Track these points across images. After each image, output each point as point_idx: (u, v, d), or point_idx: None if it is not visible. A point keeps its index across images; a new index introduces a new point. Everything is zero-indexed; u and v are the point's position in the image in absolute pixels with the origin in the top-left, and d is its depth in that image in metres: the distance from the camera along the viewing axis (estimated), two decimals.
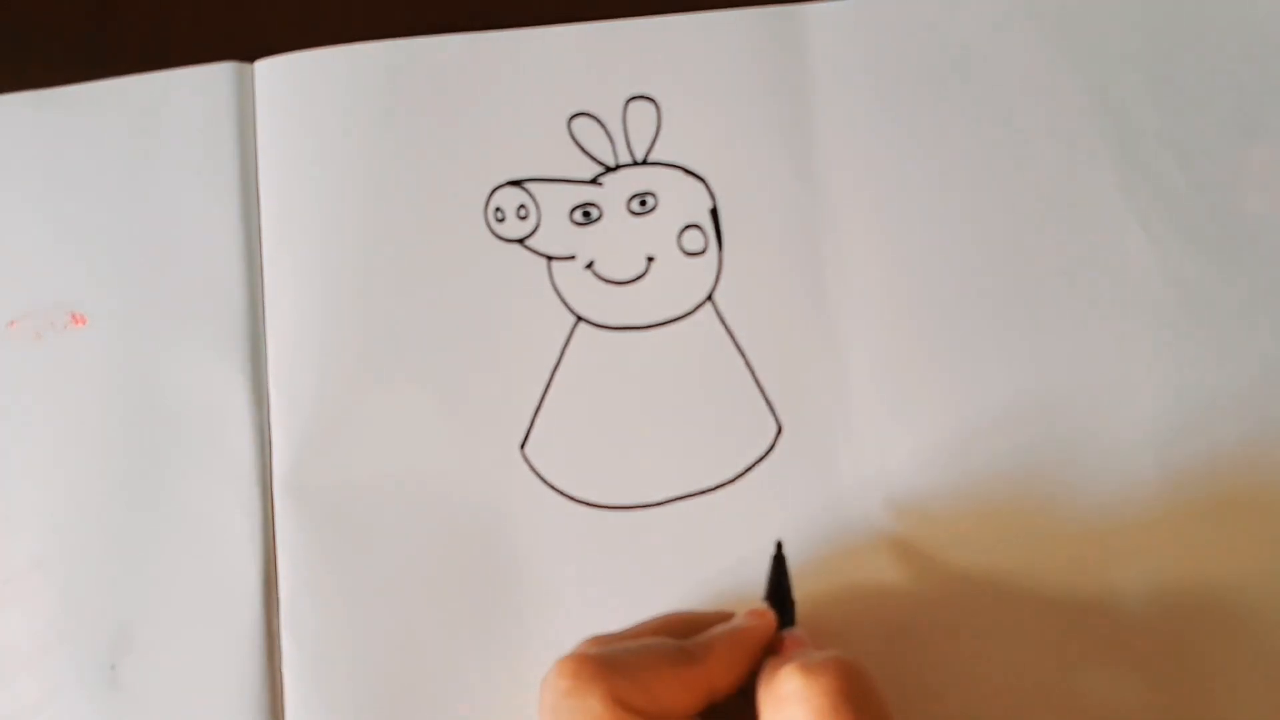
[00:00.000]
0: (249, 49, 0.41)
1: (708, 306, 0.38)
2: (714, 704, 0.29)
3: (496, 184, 0.39)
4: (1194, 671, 0.35)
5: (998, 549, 0.36)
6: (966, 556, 0.36)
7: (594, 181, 0.39)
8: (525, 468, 0.37)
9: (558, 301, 0.38)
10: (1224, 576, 0.35)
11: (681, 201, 0.39)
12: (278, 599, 0.37)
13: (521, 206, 0.39)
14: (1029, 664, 0.35)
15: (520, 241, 0.39)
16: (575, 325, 0.38)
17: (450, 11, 0.41)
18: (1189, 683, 0.35)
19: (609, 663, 0.28)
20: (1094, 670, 0.35)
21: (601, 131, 0.39)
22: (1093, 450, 0.36)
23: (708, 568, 0.36)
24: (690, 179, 0.39)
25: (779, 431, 0.37)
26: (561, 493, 0.37)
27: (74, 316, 0.39)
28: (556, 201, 0.39)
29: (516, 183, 0.39)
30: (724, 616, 0.32)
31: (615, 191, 0.39)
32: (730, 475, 0.37)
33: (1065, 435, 0.37)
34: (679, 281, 0.38)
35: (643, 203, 0.39)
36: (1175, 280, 0.37)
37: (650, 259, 0.39)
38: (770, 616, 0.31)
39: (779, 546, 0.33)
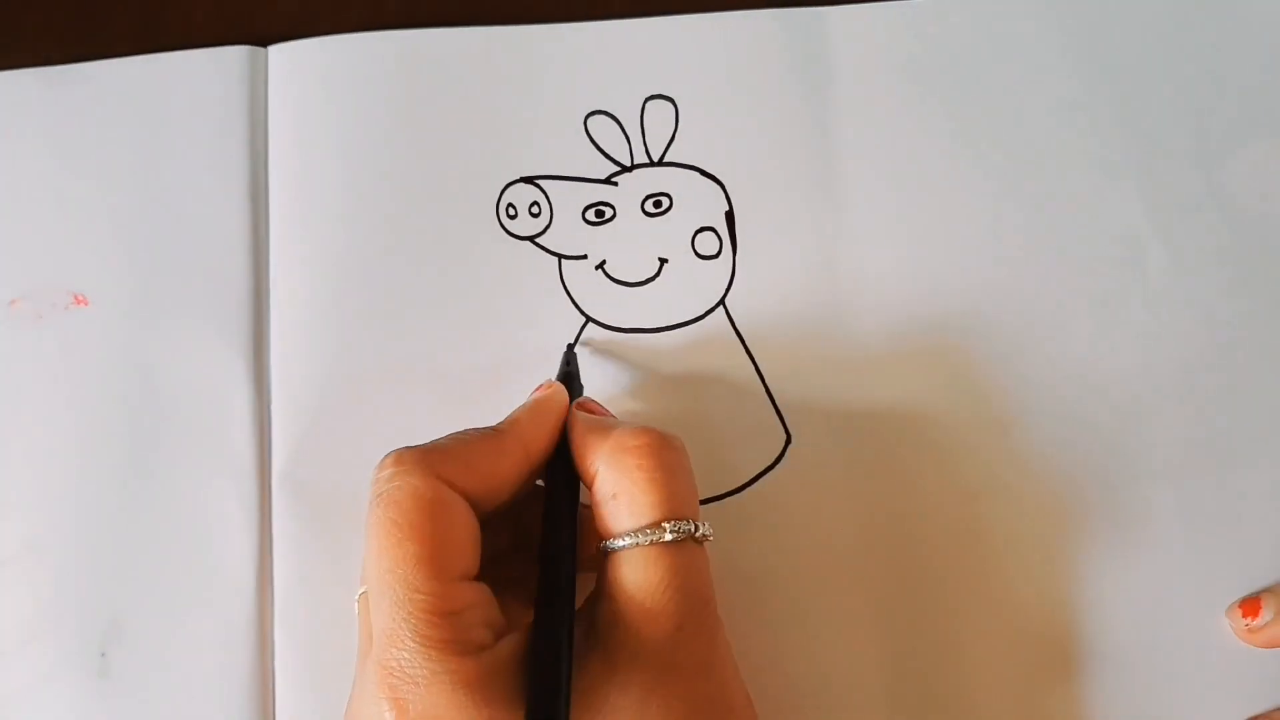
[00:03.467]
0: (264, 33, 0.40)
1: (719, 311, 0.38)
2: (533, 475, 0.31)
3: (509, 180, 0.39)
4: None
5: (1009, 562, 0.35)
6: (978, 571, 0.35)
7: (608, 181, 0.39)
8: None
9: (567, 301, 0.38)
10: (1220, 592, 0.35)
11: (696, 204, 0.38)
12: (271, 592, 0.36)
13: (534, 203, 0.38)
14: (1023, 663, 0.35)
15: (531, 239, 0.38)
16: (584, 325, 0.38)
17: (469, 4, 0.40)
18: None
19: (426, 447, 0.29)
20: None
21: (618, 130, 0.39)
22: (1108, 467, 0.36)
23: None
24: (706, 181, 0.38)
25: (788, 442, 0.36)
26: None
27: (76, 297, 0.38)
28: (569, 200, 0.38)
29: (530, 179, 0.39)
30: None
31: (629, 191, 0.38)
32: (736, 484, 0.36)
33: (1080, 450, 0.36)
34: (691, 285, 0.38)
35: (657, 204, 0.38)
36: (1193, 300, 0.37)
37: (663, 261, 0.38)
38: (559, 387, 0.33)
39: (570, 347, 0.36)
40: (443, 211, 0.38)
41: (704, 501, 0.36)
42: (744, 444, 0.36)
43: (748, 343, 0.37)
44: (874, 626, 0.35)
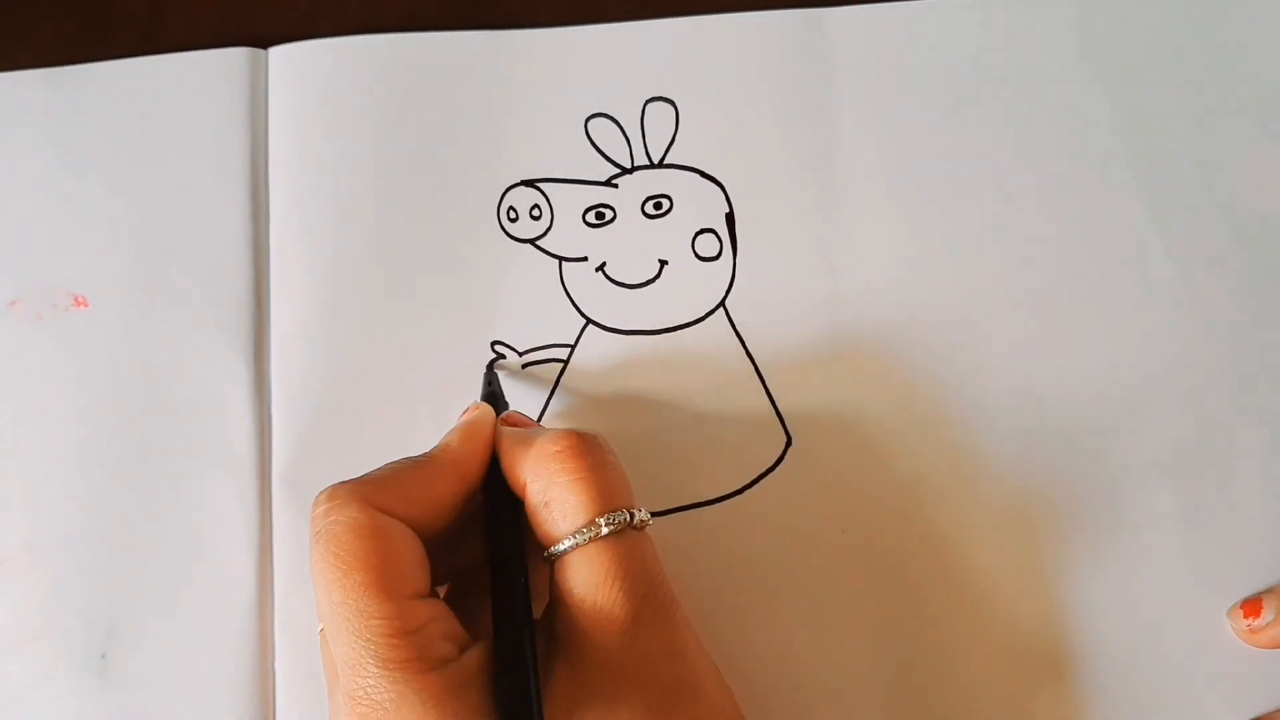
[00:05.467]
0: (264, 35, 0.40)
1: (720, 313, 0.38)
2: (472, 498, 0.31)
3: (510, 183, 0.39)
4: None
5: (1009, 565, 0.35)
6: (980, 573, 0.35)
7: (609, 183, 0.39)
8: None
9: (568, 303, 0.38)
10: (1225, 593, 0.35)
11: (697, 205, 0.38)
12: (272, 593, 0.36)
13: (535, 206, 0.38)
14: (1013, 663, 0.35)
15: (532, 242, 0.38)
16: (584, 328, 0.38)
17: (469, 7, 0.40)
18: None
19: (358, 480, 0.29)
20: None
21: (618, 132, 0.39)
22: (1108, 469, 0.36)
23: (708, 581, 0.35)
24: (706, 183, 0.38)
25: (788, 444, 0.36)
26: None
27: (76, 298, 0.38)
28: (570, 202, 0.38)
29: (530, 182, 0.39)
30: None
31: (630, 193, 0.38)
32: (736, 487, 0.36)
33: (1081, 453, 0.36)
34: (691, 287, 0.38)
35: (657, 206, 0.38)
36: (1193, 301, 0.37)
37: (663, 263, 0.38)
38: (485, 406, 0.33)
39: (490, 364, 0.37)
40: (443, 214, 0.38)
41: (705, 504, 0.36)
42: (744, 446, 0.36)
43: (748, 345, 0.37)
44: (875, 628, 0.35)
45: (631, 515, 0.29)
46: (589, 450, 0.30)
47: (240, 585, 0.36)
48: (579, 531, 0.28)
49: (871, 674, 0.35)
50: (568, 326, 0.38)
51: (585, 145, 0.39)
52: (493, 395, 0.35)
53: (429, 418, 0.37)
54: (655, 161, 0.39)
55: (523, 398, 0.37)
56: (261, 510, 0.37)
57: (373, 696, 0.26)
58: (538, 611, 0.30)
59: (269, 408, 0.37)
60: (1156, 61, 0.39)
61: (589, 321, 0.38)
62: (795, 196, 0.38)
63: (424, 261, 0.38)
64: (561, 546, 0.29)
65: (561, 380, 0.37)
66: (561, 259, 0.38)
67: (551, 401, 0.37)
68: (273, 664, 0.36)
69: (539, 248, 0.38)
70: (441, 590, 0.32)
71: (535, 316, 0.38)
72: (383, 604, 0.27)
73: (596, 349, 0.38)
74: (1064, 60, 0.39)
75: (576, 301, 0.38)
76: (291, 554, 0.36)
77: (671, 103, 0.39)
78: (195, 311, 0.38)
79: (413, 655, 0.26)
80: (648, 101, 0.39)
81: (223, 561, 0.36)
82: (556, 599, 0.29)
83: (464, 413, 0.34)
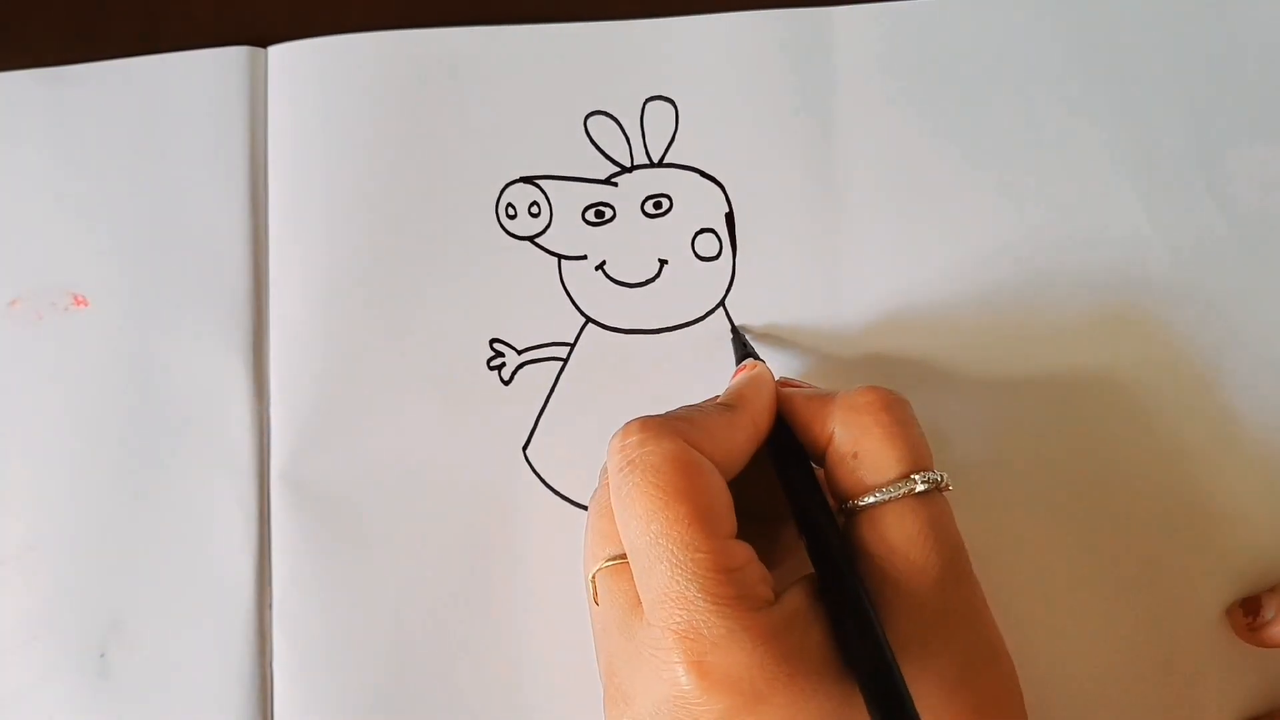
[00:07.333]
0: (264, 33, 0.40)
1: (719, 313, 0.38)
2: (758, 449, 0.31)
3: (509, 179, 0.39)
4: None
5: (1010, 562, 0.35)
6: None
7: (608, 181, 0.39)
8: (527, 470, 0.37)
9: (567, 302, 0.38)
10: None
11: (697, 205, 0.38)
12: (270, 592, 0.36)
13: (534, 204, 0.38)
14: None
15: (531, 239, 0.38)
16: (584, 326, 0.38)
17: (469, 4, 0.40)
18: None
19: (669, 415, 0.29)
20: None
21: (618, 131, 0.39)
22: (1106, 468, 0.36)
23: None
24: (706, 182, 0.38)
25: None
26: (563, 497, 0.37)
27: (76, 298, 0.38)
28: (569, 200, 0.38)
29: (529, 179, 0.39)
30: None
31: (629, 192, 0.38)
32: None
33: (1079, 453, 0.36)
34: (691, 286, 0.38)
35: (657, 205, 0.38)
36: (1193, 300, 0.37)
37: (663, 262, 0.38)
38: (764, 365, 0.33)
39: (736, 329, 0.37)
40: (442, 211, 0.38)
41: None
42: None
43: (748, 343, 0.37)
44: None
45: (941, 476, 0.29)
46: (899, 404, 0.30)
47: (239, 584, 0.36)
48: (892, 485, 0.28)
49: None
50: (567, 325, 0.38)
51: (584, 143, 0.39)
52: (748, 355, 0.35)
53: (428, 415, 0.37)
54: (655, 160, 0.39)
55: (513, 398, 0.37)
56: (261, 510, 0.37)
57: (700, 631, 0.26)
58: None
59: (268, 407, 0.37)
60: (1156, 61, 0.39)
61: (588, 320, 0.38)
62: (795, 196, 0.38)
63: (423, 259, 0.38)
64: (871, 499, 0.28)
65: (561, 379, 0.37)
66: (561, 257, 0.38)
67: (550, 400, 0.37)
68: (270, 663, 0.36)
69: (538, 245, 0.38)
70: None
71: (534, 314, 0.38)
72: (708, 539, 0.26)
73: (596, 348, 0.37)
74: (1065, 60, 0.39)
75: (576, 300, 0.38)
76: (290, 553, 0.36)
77: (671, 102, 0.39)
78: (195, 312, 0.38)
79: (740, 593, 0.26)
80: (647, 100, 0.39)
81: (222, 561, 0.36)
82: (858, 552, 0.29)
83: (738, 370, 0.33)
